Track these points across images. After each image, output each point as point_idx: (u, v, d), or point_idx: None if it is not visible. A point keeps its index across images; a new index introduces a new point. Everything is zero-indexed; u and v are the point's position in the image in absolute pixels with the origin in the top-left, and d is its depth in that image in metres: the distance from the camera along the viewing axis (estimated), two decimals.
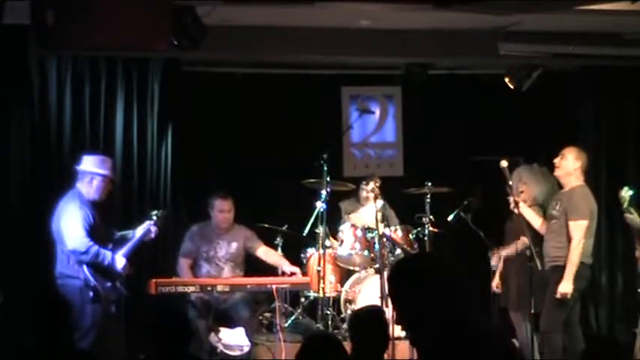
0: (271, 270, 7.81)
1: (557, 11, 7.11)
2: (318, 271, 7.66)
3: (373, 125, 9.47)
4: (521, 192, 7.13)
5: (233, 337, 7.30)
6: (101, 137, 7.97)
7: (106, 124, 8.00)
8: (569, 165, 6.96)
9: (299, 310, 7.97)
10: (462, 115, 9.07)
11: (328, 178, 7.83)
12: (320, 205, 7.80)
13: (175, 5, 6.65)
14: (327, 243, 7.94)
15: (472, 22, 7.54)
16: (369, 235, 7.99)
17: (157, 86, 8.12)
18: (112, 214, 7.47)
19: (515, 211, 6.98)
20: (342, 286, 8.07)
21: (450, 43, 8.10)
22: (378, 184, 8.05)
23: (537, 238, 6.98)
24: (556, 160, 7.01)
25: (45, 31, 6.14)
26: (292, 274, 7.59)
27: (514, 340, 7.33)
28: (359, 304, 7.54)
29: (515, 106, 8.84)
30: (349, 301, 7.88)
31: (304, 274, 7.86)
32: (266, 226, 8.00)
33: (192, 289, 7.16)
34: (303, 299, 8.03)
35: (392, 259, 7.78)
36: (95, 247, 6.63)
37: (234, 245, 7.70)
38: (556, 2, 6.96)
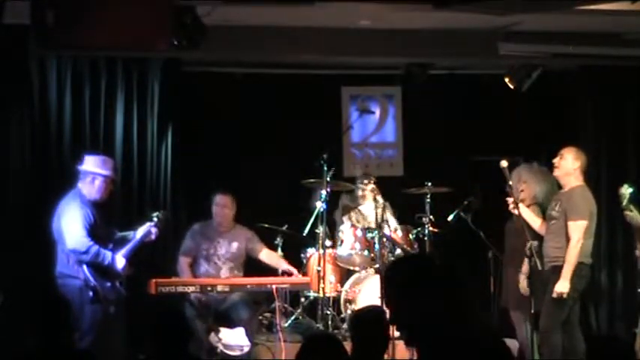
0: (271, 270, 7.81)
1: (557, 11, 7.10)
2: (318, 271, 7.67)
3: (373, 125, 9.47)
4: (521, 191, 7.12)
5: (233, 337, 7.30)
6: (101, 137, 7.97)
7: (106, 124, 8.00)
8: (569, 165, 6.96)
9: (299, 310, 7.97)
10: (462, 115, 9.07)
11: (328, 178, 7.84)
12: (320, 205, 7.81)
13: (175, 5, 6.64)
14: (327, 243, 7.95)
15: (472, 22, 7.54)
16: (369, 235, 8.00)
17: (157, 86, 8.12)
18: (112, 213, 7.47)
19: (515, 212, 6.97)
20: (342, 286, 8.07)
21: (450, 43, 8.10)
22: (373, 183, 8.12)
23: (537, 238, 6.98)
24: (555, 161, 7.01)
25: (45, 31, 6.13)
26: (289, 274, 7.58)
27: (514, 340, 7.34)
28: (359, 304, 7.54)
29: (515, 106, 8.84)
30: (349, 301, 7.88)
31: (304, 274, 7.87)
32: (266, 226, 8.00)
33: (192, 289, 7.16)
34: (303, 299, 8.03)
35: (392, 259, 7.78)
36: (95, 247, 6.63)
37: (234, 245, 7.69)
38: (556, 2, 6.96)
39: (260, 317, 7.85)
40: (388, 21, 7.57)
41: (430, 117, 9.15)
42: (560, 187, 7.06)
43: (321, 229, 7.80)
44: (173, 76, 8.20)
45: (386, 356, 3.93)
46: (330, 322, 7.68)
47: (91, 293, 6.59)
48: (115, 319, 6.84)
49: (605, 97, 8.79)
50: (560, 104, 8.99)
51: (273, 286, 7.27)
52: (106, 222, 6.92)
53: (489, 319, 7.82)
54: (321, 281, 7.60)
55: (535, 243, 6.78)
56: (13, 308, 6.62)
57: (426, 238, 8.03)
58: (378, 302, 6.96)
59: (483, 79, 9.02)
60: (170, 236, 7.84)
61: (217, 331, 7.27)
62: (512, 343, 7.33)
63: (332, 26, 7.81)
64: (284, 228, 8.04)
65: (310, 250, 8.11)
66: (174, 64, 8.20)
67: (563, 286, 6.69)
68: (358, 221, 8.27)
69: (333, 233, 8.24)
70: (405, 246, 8.04)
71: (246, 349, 7.28)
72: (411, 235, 8.13)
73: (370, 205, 8.17)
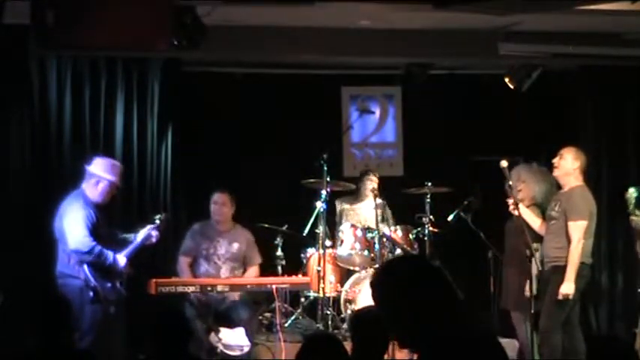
0: (271, 270, 7.81)
1: (557, 11, 7.10)
2: (318, 271, 7.67)
3: (373, 125, 9.48)
4: (519, 190, 7.11)
5: (233, 337, 7.30)
6: (101, 137, 7.97)
7: (106, 124, 7.99)
8: (568, 165, 6.96)
9: (299, 310, 7.97)
10: (462, 115, 9.07)
11: (328, 178, 7.84)
12: (320, 205, 7.81)
13: (175, 5, 6.64)
14: (327, 243, 7.95)
15: (472, 22, 7.54)
16: (369, 235, 8.01)
17: (157, 86, 8.12)
18: (112, 214, 7.47)
19: (515, 212, 6.97)
20: (342, 286, 8.07)
21: (450, 43, 8.10)
22: (376, 180, 8.14)
23: (537, 238, 6.98)
24: (555, 161, 7.01)
25: (45, 31, 6.13)
26: None
27: (514, 340, 7.34)
28: (359, 304, 7.54)
29: (515, 106, 8.84)
30: (349, 301, 7.88)
31: (304, 274, 7.87)
32: (266, 226, 8.00)
33: (192, 289, 7.16)
34: (303, 299, 8.03)
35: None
36: (98, 247, 6.63)
37: (235, 245, 7.69)
38: (556, 2, 6.96)
39: (260, 317, 7.85)
40: (388, 21, 7.57)
41: (430, 117, 9.15)
42: (559, 187, 7.06)
43: (321, 229, 7.80)
44: (173, 76, 8.19)
45: (386, 356, 3.92)
46: (330, 322, 7.68)
47: (91, 293, 6.59)
48: (115, 319, 6.84)
49: (605, 97, 8.78)
50: (560, 104, 8.99)
51: (273, 286, 7.27)
52: (107, 223, 6.92)
53: (489, 319, 7.82)
54: (321, 281, 7.61)
55: (536, 245, 6.78)
56: (13, 308, 6.62)
57: (426, 238, 8.04)
58: None
59: (483, 79, 9.02)
60: (170, 236, 7.83)
61: (217, 331, 7.26)
62: (512, 344, 7.33)
63: (332, 26, 7.81)
64: (284, 228, 8.05)
65: (310, 250, 8.11)
66: (174, 64, 8.20)
67: (568, 288, 6.68)
68: (359, 222, 8.28)
69: (333, 233, 8.24)
70: (405, 246, 8.04)
71: (246, 349, 7.27)
72: (411, 235, 8.13)
73: (370, 204, 8.18)
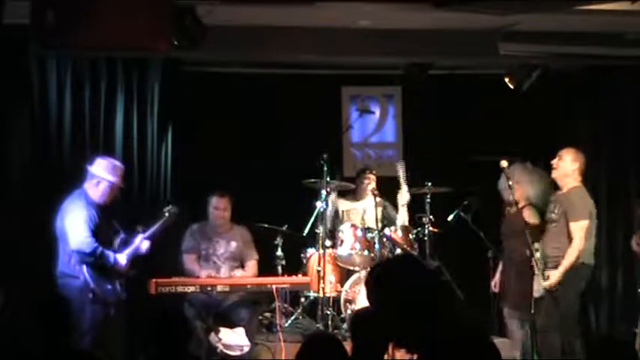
0: (271, 270, 7.81)
1: (557, 11, 7.10)
2: (318, 271, 7.68)
3: (373, 125, 9.48)
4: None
5: (233, 337, 7.30)
6: (101, 137, 7.96)
7: (106, 124, 7.99)
8: (567, 166, 6.96)
9: (299, 310, 7.98)
10: (462, 115, 9.07)
11: (328, 178, 7.84)
12: (320, 205, 7.81)
13: (175, 5, 6.64)
14: (327, 243, 7.95)
15: (472, 22, 7.53)
16: (369, 235, 8.01)
17: (157, 86, 8.11)
18: (112, 213, 7.46)
19: (511, 210, 6.96)
20: (342, 286, 8.07)
21: (450, 43, 8.09)
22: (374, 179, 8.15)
23: (537, 238, 6.98)
24: (553, 162, 7.01)
25: (45, 31, 6.12)
26: None
27: (506, 340, 7.34)
28: (359, 304, 7.55)
29: (515, 106, 8.83)
30: (349, 301, 7.89)
31: (304, 274, 7.87)
32: (266, 226, 8.01)
33: (192, 289, 7.17)
34: (303, 299, 8.03)
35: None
36: (99, 248, 6.64)
37: (233, 244, 7.70)
38: (556, 2, 6.95)
39: (260, 317, 7.85)
40: (388, 21, 7.56)
41: (430, 117, 9.15)
42: (557, 187, 7.06)
43: (321, 229, 7.80)
44: (173, 76, 8.19)
45: (386, 356, 3.92)
46: (330, 322, 7.68)
47: (90, 295, 6.59)
48: (115, 319, 6.84)
49: (605, 97, 8.78)
50: (560, 104, 8.99)
51: (273, 286, 7.28)
52: (109, 223, 6.91)
53: (489, 319, 7.82)
54: (321, 281, 7.61)
55: (537, 245, 6.77)
56: (13, 308, 6.61)
57: (426, 238, 8.04)
58: None
59: (483, 79, 9.02)
60: (169, 236, 7.83)
61: (217, 331, 7.27)
62: (508, 343, 7.33)
63: (332, 26, 7.80)
64: (284, 228, 8.05)
65: (310, 250, 8.11)
66: (174, 64, 8.19)
67: (553, 279, 6.68)
68: (360, 221, 8.28)
69: (333, 233, 8.24)
70: (405, 246, 8.04)
71: (246, 349, 7.28)
72: (411, 235, 8.14)
73: (370, 203, 8.18)
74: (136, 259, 6.94)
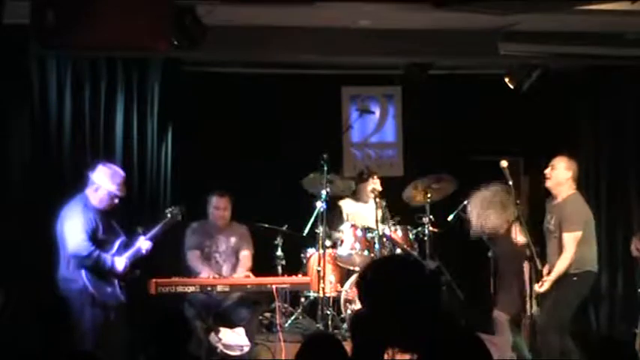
0: (271, 270, 7.81)
1: (557, 11, 7.10)
2: (318, 271, 7.68)
3: (373, 125, 9.48)
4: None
5: (233, 337, 7.30)
6: (101, 137, 7.96)
7: (106, 124, 7.98)
8: (561, 175, 6.94)
9: (299, 310, 7.98)
10: (462, 115, 9.07)
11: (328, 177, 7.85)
12: (320, 205, 7.81)
13: (175, 5, 6.64)
14: (327, 243, 7.95)
15: (472, 22, 7.53)
16: (369, 235, 8.01)
17: (157, 86, 8.12)
18: (113, 215, 7.46)
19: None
20: (342, 286, 8.07)
21: (450, 43, 8.09)
22: (377, 182, 8.15)
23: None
24: (547, 172, 7.00)
25: (45, 31, 6.12)
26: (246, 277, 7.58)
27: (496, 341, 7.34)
28: (359, 304, 7.52)
29: (515, 106, 8.84)
30: (349, 301, 7.89)
31: (304, 274, 7.87)
32: (266, 226, 8.01)
33: (192, 289, 7.17)
34: (303, 299, 8.04)
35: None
36: (96, 252, 6.63)
37: (232, 240, 7.72)
38: (556, 2, 6.95)
39: (260, 317, 7.85)
40: (388, 21, 7.56)
41: (430, 117, 9.15)
42: (549, 194, 7.03)
43: (321, 229, 7.80)
44: (173, 76, 8.19)
45: (386, 356, 3.91)
46: (330, 322, 7.68)
47: (90, 298, 6.59)
48: (115, 322, 6.83)
49: (605, 97, 8.78)
50: (560, 104, 8.99)
51: (273, 286, 7.28)
52: (111, 226, 6.90)
53: (489, 319, 7.81)
54: (321, 281, 7.61)
55: (534, 248, 6.78)
56: (13, 308, 6.61)
57: (426, 238, 8.04)
58: None
59: (483, 79, 9.02)
60: (170, 236, 7.82)
61: (217, 331, 7.27)
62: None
63: (332, 26, 7.80)
64: (284, 228, 8.05)
65: (310, 250, 8.12)
66: (174, 64, 8.20)
67: (543, 287, 6.69)
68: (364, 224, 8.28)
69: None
70: (405, 246, 8.04)
71: (246, 349, 7.28)
72: (411, 235, 8.14)
73: (372, 205, 8.17)
74: (136, 259, 6.93)
